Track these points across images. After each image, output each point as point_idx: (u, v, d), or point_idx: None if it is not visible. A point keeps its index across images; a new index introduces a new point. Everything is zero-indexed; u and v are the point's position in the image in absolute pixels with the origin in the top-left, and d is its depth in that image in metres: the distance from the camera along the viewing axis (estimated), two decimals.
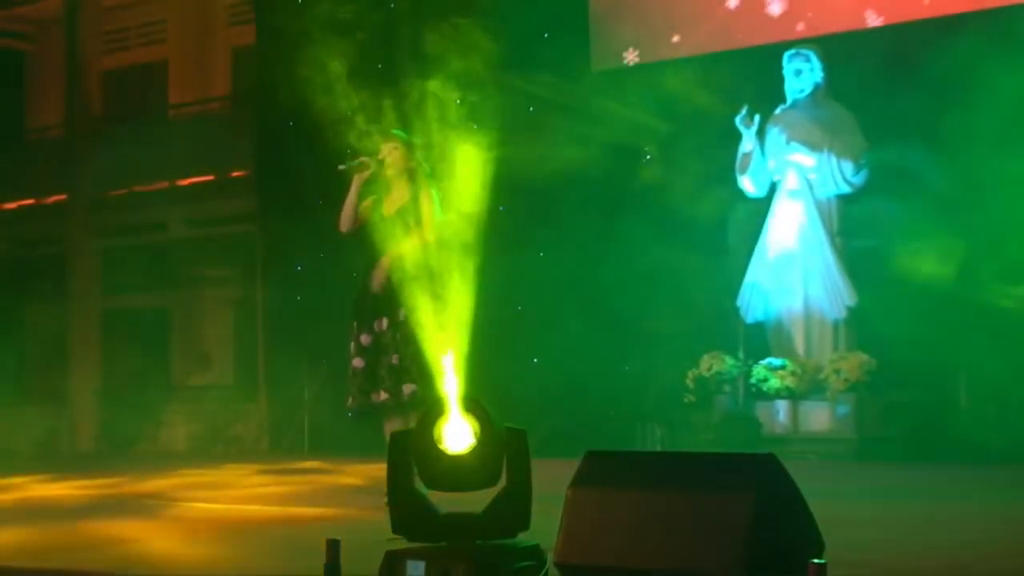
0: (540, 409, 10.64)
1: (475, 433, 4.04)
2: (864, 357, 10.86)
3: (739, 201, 11.88)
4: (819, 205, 11.43)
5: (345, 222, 7.18)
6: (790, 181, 11.56)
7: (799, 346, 11.42)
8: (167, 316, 19.31)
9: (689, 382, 11.48)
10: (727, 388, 11.37)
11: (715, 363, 11.40)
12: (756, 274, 11.59)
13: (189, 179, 17.88)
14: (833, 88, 11.57)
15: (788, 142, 11.53)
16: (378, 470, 7.96)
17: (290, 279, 14.70)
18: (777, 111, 11.74)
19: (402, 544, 4.06)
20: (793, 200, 11.52)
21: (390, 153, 7.11)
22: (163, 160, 17.46)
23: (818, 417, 11.08)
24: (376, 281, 7.04)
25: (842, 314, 11.25)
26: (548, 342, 11.97)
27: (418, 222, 6.99)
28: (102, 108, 19.16)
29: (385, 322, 6.99)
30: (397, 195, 7.15)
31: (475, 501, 4.10)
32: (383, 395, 6.95)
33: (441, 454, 4.04)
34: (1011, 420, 10.49)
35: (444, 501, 4.17)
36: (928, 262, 10.12)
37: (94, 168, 17.60)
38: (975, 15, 10.96)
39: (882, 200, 11.09)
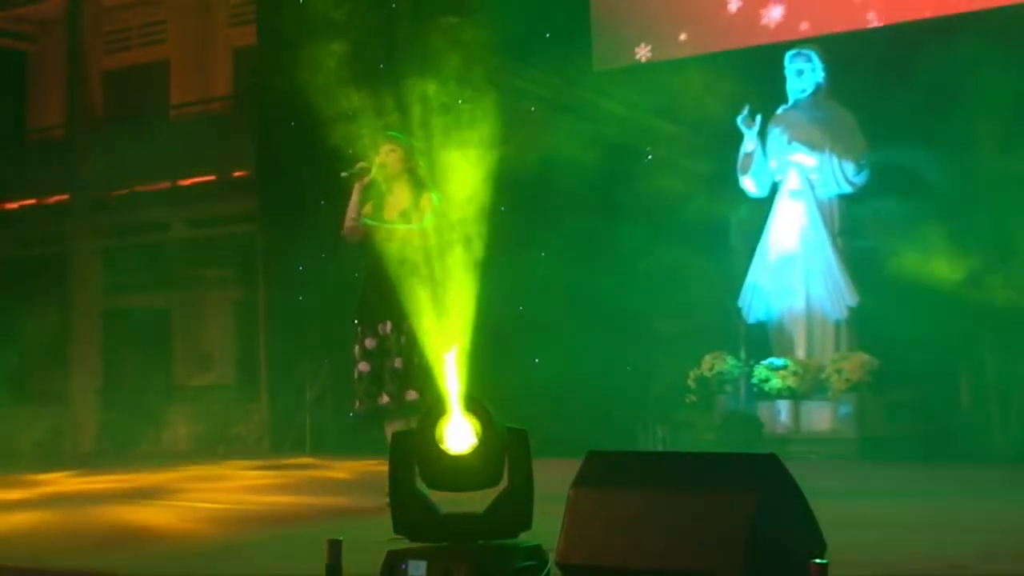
0: (542, 409, 10.63)
1: (477, 433, 4.04)
2: (866, 357, 10.86)
3: (741, 201, 11.88)
4: (821, 205, 11.43)
5: (348, 229, 7.16)
6: (791, 181, 11.55)
7: (801, 346, 11.42)
8: (168, 316, 19.32)
9: (691, 382, 11.48)
10: (729, 388, 11.37)
11: (717, 363, 11.41)
12: (758, 274, 11.59)
13: (190, 179, 17.89)
14: (835, 88, 11.57)
15: (790, 142, 11.54)
16: (371, 466, 7.91)
17: (291, 279, 14.70)
18: (779, 111, 11.74)
19: (404, 544, 4.05)
20: (795, 200, 11.51)
21: (389, 155, 7.09)
22: (164, 160, 17.46)
23: (820, 417, 11.08)
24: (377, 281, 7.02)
25: (844, 314, 11.24)
26: (550, 342, 11.98)
27: (419, 223, 6.97)
28: (103, 108, 19.16)
29: (388, 325, 6.98)
30: (397, 197, 7.13)
31: (477, 501, 4.09)
32: (385, 398, 6.95)
33: (443, 454, 4.03)
34: (1013, 420, 10.49)
35: (445, 501, 4.17)
36: (930, 262, 10.12)
37: (95, 168, 17.60)
38: (976, 15, 10.95)
39: (884, 200, 11.09)
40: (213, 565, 5.34)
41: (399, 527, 4.11)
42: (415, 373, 6.83)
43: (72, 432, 17.26)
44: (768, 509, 3.62)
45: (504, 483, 4.08)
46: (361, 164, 7.06)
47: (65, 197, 18.35)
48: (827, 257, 11.31)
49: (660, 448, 11.36)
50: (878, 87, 11.22)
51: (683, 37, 12.48)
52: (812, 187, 11.46)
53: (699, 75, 11.53)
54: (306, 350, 14.30)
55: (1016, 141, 10.09)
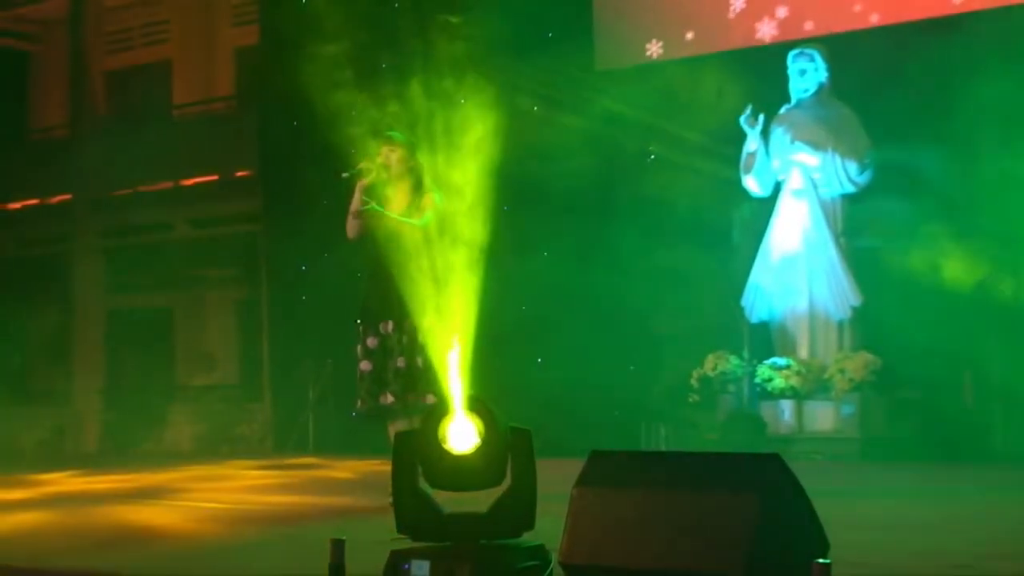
0: (545, 409, 10.63)
1: (479, 433, 4.03)
2: (869, 357, 10.86)
3: (743, 201, 11.88)
4: (823, 205, 11.42)
5: (351, 230, 7.16)
6: (794, 181, 11.55)
7: (804, 346, 11.41)
8: (170, 316, 19.33)
9: (694, 382, 11.48)
10: (732, 388, 11.37)
11: (720, 363, 11.40)
12: (761, 274, 11.59)
13: (193, 179, 17.90)
14: (837, 88, 11.56)
15: (792, 142, 11.53)
16: (374, 466, 7.89)
17: (293, 279, 14.69)
18: (781, 111, 11.73)
19: (406, 544, 4.05)
20: (797, 200, 11.51)
21: (390, 155, 7.08)
22: (166, 160, 17.48)
23: (823, 417, 11.08)
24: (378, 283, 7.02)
25: (847, 314, 11.24)
26: (552, 342, 11.98)
27: (421, 222, 6.96)
28: (106, 108, 19.19)
29: (391, 325, 6.97)
30: (399, 197, 7.12)
31: (479, 501, 4.09)
32: (389, 398, 6.95)
33: (445, 454, 4.03)
34: (1017, 419, 10.49)
35: (448, 501, 4.16)
36: (933, 262, 10.11)
37: (97, 168, 17.61)
38: (978, 15, 10.94)
39: (887, 200, 11.08)
40: (216, 565, 5.33)
41: (402, 527, 4.10)
42: (417, 374, 6.83)
43: (74, 432, 17.27)
44: (771, 509, 3.61)
45: (507, 483, 4.08)
46: (362, 165, 7.05)
47: (67, 197, 18.38)
48: (830, 257, 11.31)
49: (663, 448, 11.36)
50: (881, 87, 11.22)
51: (690, 36, 12.47)
52: (815, 187, 11.45)
53: (701, 75, 11.53)
54: (309, 350, 14.30)
55: (1021, 140, 10.07)
